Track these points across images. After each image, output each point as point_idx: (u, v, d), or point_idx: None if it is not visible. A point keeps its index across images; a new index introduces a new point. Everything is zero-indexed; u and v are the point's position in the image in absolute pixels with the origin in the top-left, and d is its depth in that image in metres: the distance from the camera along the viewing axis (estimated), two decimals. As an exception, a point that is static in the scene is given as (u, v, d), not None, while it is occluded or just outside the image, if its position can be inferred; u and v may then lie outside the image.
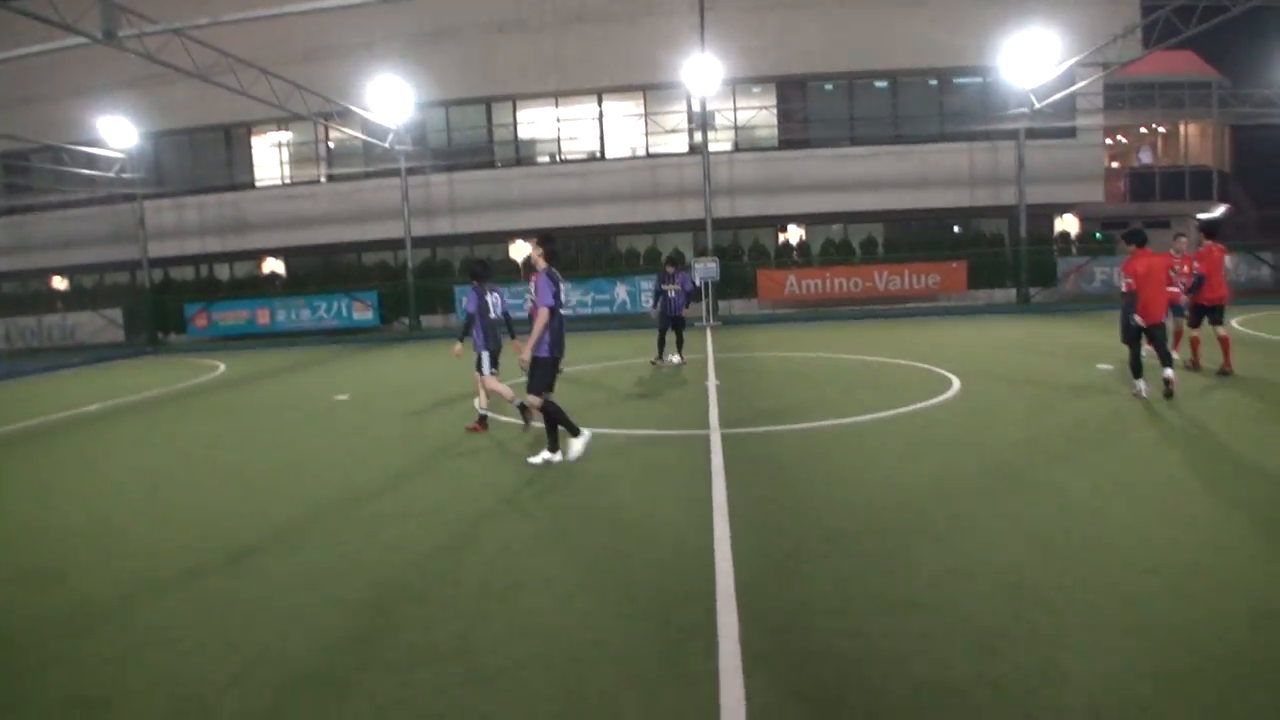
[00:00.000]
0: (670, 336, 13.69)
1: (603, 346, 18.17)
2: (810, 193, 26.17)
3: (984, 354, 13.57)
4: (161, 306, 28.11)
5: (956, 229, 27.71)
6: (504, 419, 9.42)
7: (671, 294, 13.56)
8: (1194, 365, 10.72)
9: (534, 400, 7.20)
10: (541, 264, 7.09)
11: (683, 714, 3.11)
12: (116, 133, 25.48)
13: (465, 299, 9.08)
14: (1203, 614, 3.74)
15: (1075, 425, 7.91)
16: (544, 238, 7.25)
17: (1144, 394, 8.80)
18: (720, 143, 26.81)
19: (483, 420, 9.06)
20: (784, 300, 24.69)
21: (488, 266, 9.29)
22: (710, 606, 4.04)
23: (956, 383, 10.39)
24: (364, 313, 25.98)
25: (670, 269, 13.91)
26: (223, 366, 19.54)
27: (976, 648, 3.49)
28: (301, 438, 9.36)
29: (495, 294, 9.13)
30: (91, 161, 27.49)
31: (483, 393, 9.10)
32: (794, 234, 27.07)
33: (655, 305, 14.00)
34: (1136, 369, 8.94)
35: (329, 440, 9.13)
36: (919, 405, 9.07)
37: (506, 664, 3.59)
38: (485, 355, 8.92)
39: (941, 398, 9.51)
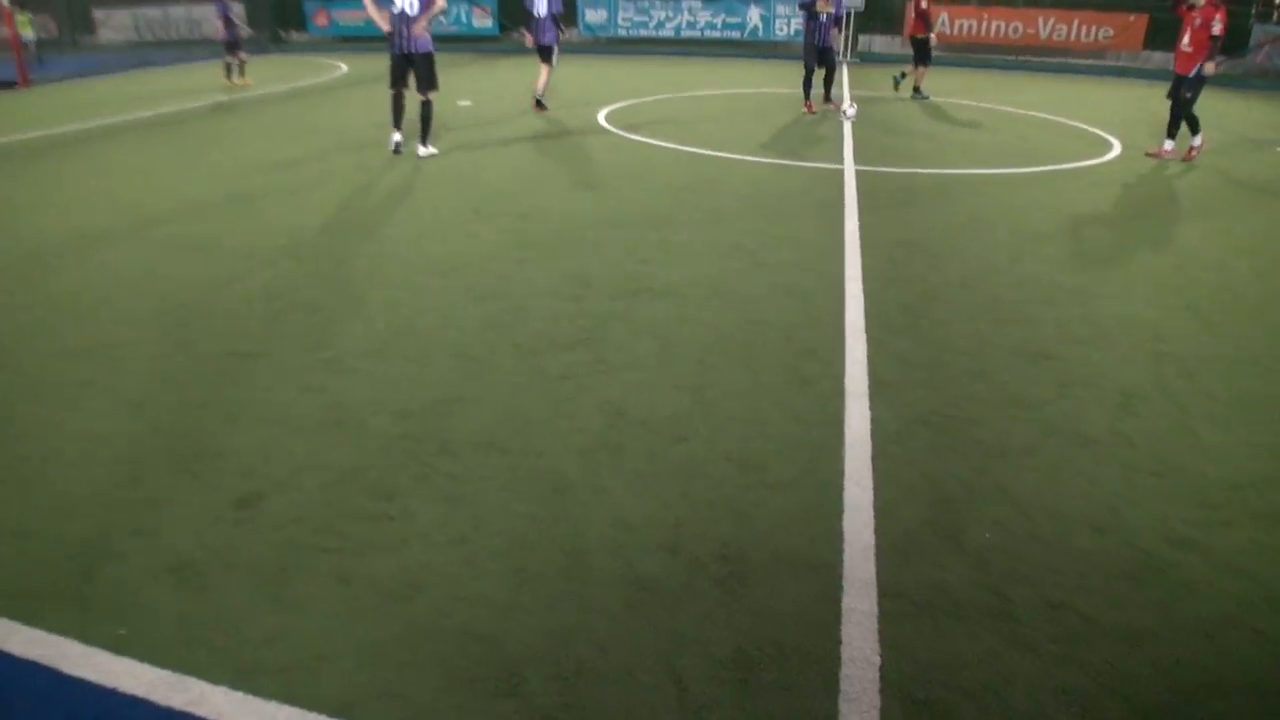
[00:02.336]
0: (818, 75, 11.39)
1: (732, 72, 17.17)
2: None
3: (1152, 121, 12.26)
4: (282, 2, 27.55)
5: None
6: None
7: (823, 17, 10.93)
8: None
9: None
10: None
11: (807, 423, 3.16)
12: None
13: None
14: (1370, 397, 3.52)
15: (1232, 200, 7.20)
16: None
17: None
18: None
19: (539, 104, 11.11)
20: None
21: None
22: (838, 332, 4.00)
23: (1117, 146, 9.49)
24: (484, 20, 24.99)
25: None
26: (344, 67, 19.39)
27: (1112, 404, 3.38)
28: (445, 140, 9.34)
29: None
30: None
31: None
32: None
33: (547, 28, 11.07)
34: None
35: (454, 143, 9.08)
36: (1072, 165, 8.36)
37: (630, 359, 3.68)
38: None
39: (1097, 160, 8.72)
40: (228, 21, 14.43)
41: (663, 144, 8.86)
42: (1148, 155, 8.72)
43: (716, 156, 8.24)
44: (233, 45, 14.46)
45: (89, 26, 31.29)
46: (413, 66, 7.72)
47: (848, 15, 20.35)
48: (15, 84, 14.10)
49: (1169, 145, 8.62)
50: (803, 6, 11.12)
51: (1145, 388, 3.54)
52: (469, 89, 14.02)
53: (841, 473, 2.83)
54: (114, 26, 30.89)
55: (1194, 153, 8.50)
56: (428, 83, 7.78)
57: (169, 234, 5.52)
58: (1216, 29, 7.95)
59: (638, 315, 4.17)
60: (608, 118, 10.63)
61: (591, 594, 2.23)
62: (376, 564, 2.33)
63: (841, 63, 19.92)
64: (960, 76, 17.34)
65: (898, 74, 13.68)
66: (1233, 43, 20.88)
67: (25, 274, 4.75)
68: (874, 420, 3.17)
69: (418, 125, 7.93)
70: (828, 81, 11.53)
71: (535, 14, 10.69)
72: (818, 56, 11.11)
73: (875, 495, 2.70)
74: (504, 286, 4.56)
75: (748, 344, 3.86)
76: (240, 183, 7.03)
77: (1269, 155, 9.35)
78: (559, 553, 2.39)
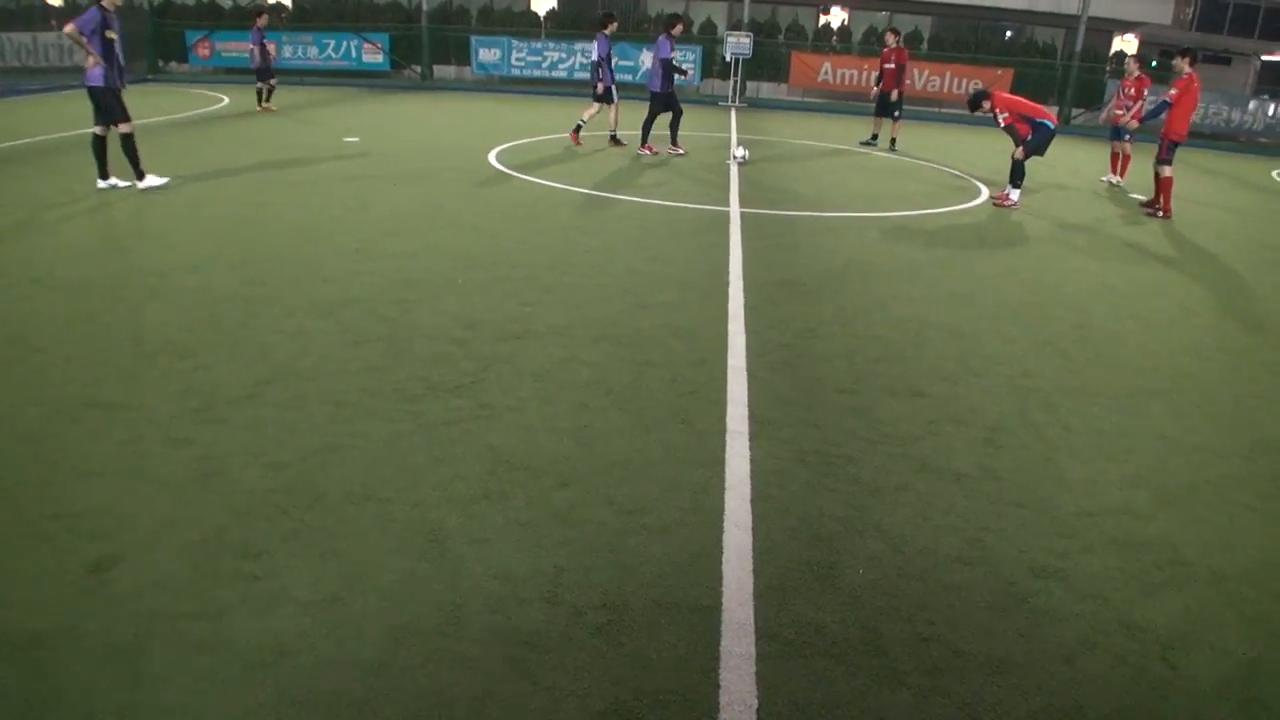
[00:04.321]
0: (664, 119, 11.66)
1: (625, 115, 17.45)
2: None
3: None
4: (161, 32, 26.57)
5: (1009, 34, 25.89)
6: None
7: (679, 78, 11.96)
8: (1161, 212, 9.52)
9: None
10: None
11: (688, 464, 3.19)
12: None
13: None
14: (1204, 438, 3.80)
15: (1087, 243, 7.74)
16: None
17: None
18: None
19: (614, 138, 12.19)
20: (816, 88, 23.46)
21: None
22: (720, 372, 4.07)
23: (985, 191, 10.07)
24: (374, 55, 24.63)
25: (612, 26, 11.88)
26: (226, 99, 18.78)
27: (979, 439, 3.55)
28: (313, 174, 9.10)
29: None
30: None
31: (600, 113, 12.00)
32: (836, 17, 25.27)
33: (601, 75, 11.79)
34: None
35: (338, 180, 8.88)
36: (944, 209, 8.84)
37: (514, 402, 3.64)
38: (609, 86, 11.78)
39: (967, 204, 9.25)
40: (262, 50, 15.74)
41: (553, 184, 8.90)
42: (994, 203, 9.28)
43: (606, 197, 8.34)
44: (264, 73, 15.78)
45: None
46: (117, 103, 7.56)
47: (736, 61, 21.04)
48: None
49: (1014, 194, 9.23)
50: (669, 65, 11.48)
51: (1010, 422, 3.73)
52: (357, 125, 13.77)
53: (722, 514, 2.86)
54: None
55: (1007, 200, 9.20)
56: (125, 112, 7.63)
57: (24, 272, 5.18)
58: (1001, 122, 9.03)
59: (522, 358, 4.14)
60: (498, 157, 10.63)
61: (469, 651, 2.17)
62: (241, 629, 2.21)
63: (730, 108, 20.57)
64: (846, 124, 18.10)
65: (869, 138, 14.21)
66: (1090, 97, 22.61)
67: None
68: (754, 460, 3.23)
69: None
70: (674, 125, 11.64)
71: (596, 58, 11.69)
72: (665, 103, 11.43)
73: (754, 536, 2.74)
74: (385, 329, 4.46)
75: (632, 385, 3.88)
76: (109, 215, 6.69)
77: (1120, 201, 10.08)
78: (436, 609, 2.33)
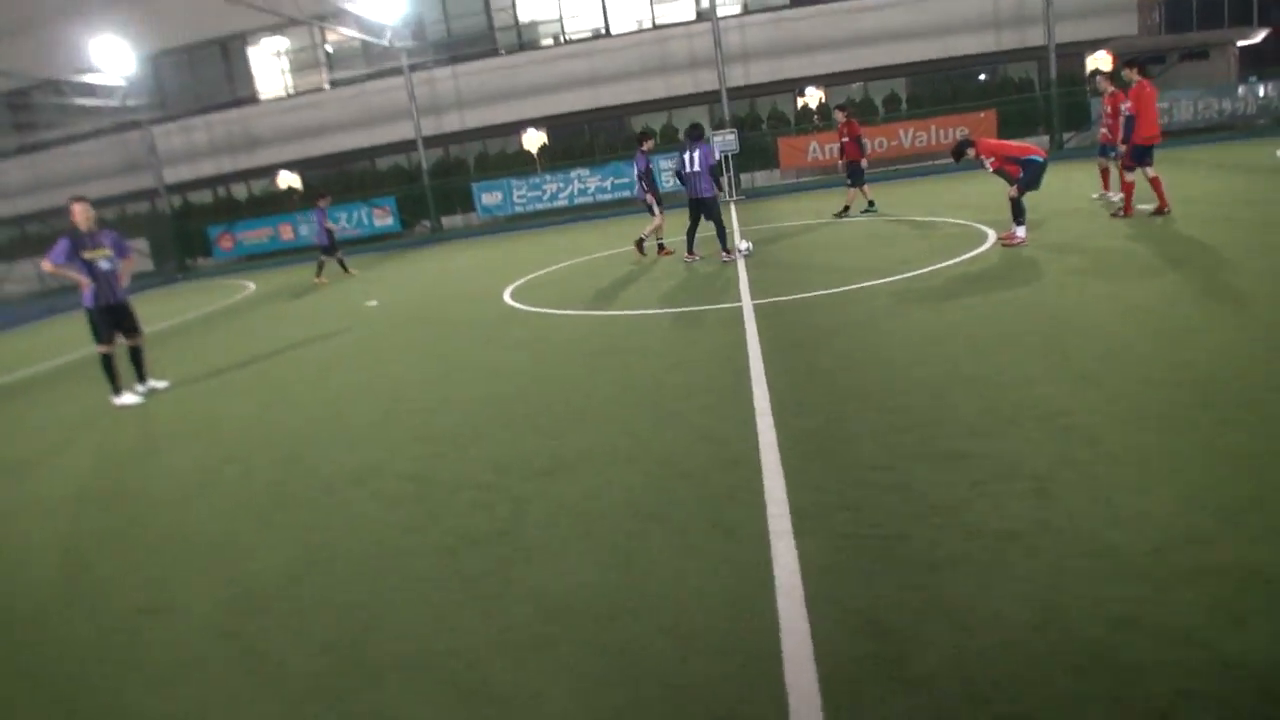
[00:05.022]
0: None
1: (625, 230, 17.90)
2: (827, 51, 25.07)
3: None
4: (185, 232, 28.07)
5: (983, 77, 26.42)
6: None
7: (686, 170, 11.55)
8: (1130, 212, 10.17)
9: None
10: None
11: (736, 575, 3.11)
12: (113, 56, 24.89)
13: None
14: (1257, 443, 3.65)
15: (1102, 267, 7.66)
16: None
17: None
18: (729, 5, 25.61)
19: (661, 247, 12.65)
20: (808, 167, 23.98)
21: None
22: (755, 470, 4.02)
23: (991, 235, 10.08)
24: (384, 219, 25.74)
25: (650, 143, 12.82)
26: (252, 285, 19.62)
27: (1028, 491, 3.43)
28: (337, 344, 9.38)
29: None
30: (94, 92, 27.09)
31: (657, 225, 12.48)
32: (813, 97, 26.03)
33: (645, 189, 12.46)
34: None
35: (361, 345, 9.14)
36: (953, 260, 8.84)
37: (554, 541, 3.61)
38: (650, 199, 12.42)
39: (975, 251, 9.24)
40: (326, 227, 16.59)
41: (569, 312, 9.08)
42: (1003, 245, 9.28)
43: (622, 315, 8.47)
44: (329, 248, 16.73)
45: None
46: (123, 316, 7.92)
47: (726, 158, 21.63)
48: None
49: (1020, 231, 9.26)
50: (649, 176, 12.51)
51: (1055, 467, 3.61)
52: (375, 288, 14.25)
53: (778, 623, 2.77)
54: (17, 280, 30.78)
55: (1014, 239, 9.26)
56: (135, 325, 8.04)
57: (64, 491, 5.32)
58: (989, 167, 9.42)
59: (556, 493, 4.13)
60: (513, 294, 10.90)
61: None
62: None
63: (729, 201, 21.03)
64: (840, 196, 18.34)
65: (839, 210, 14.54)
66: (1077, 118, 22.83)
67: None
68: (801, 558, 3.15)
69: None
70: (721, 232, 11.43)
71: (687, 170, 11.30)
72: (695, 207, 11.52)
73: (814, 640, 2.64)
74: (418, 488, 4.49)
75: (669, 502, 3.84)
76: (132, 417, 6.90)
77: (1121, 223, 10.01)
78: (495, 774, 2.26)
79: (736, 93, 25.23)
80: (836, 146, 15.91)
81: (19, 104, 30.27)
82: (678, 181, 11.77)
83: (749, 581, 3.06)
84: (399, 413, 6.08)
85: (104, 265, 7.66)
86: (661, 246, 12.73)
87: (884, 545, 3.17)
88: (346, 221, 25.96)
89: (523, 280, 12.15)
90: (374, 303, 12.39)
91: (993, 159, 9.25)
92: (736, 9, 25.62)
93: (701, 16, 25.28)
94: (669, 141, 24.81)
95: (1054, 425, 4.08)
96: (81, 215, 7.60)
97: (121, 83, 26.78)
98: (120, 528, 4.61)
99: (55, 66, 27.21)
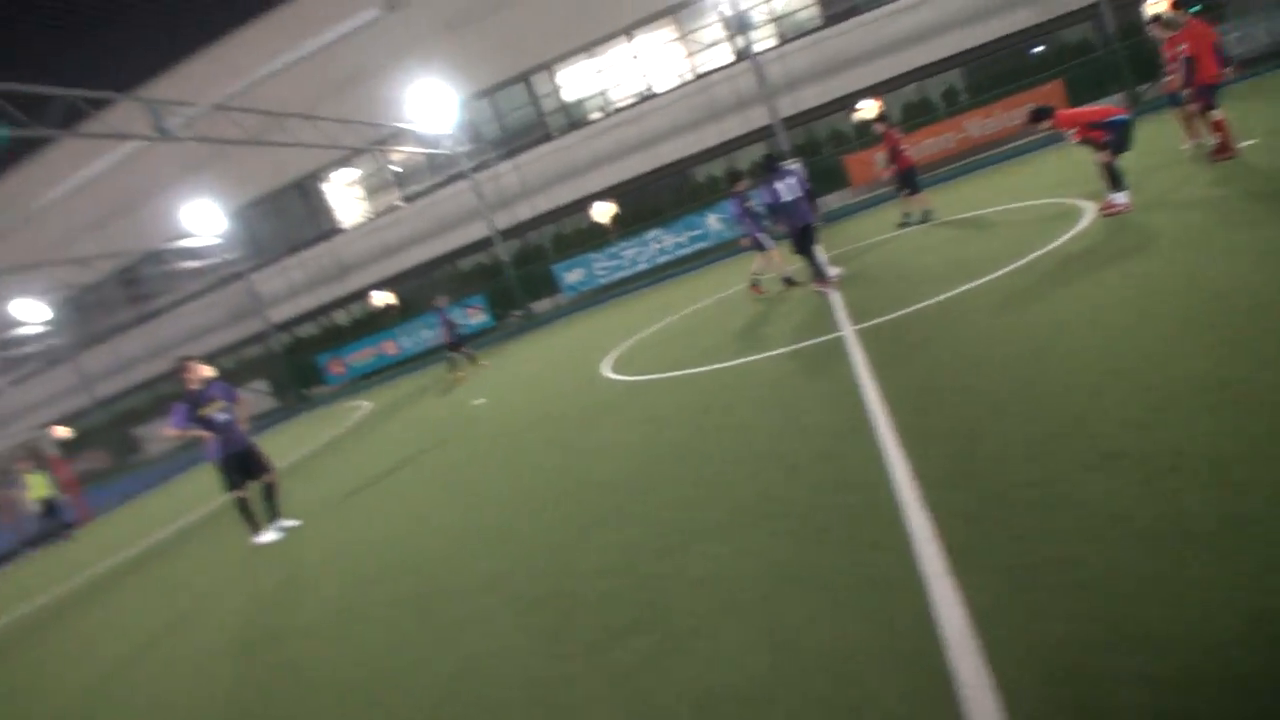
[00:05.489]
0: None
1: (710, 280, 17.86)
2: (871, 61, 24.80)
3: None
4: (297, 365, 29.59)
5: (1039, 49, 25.57)
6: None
7: (785, 200, 11.41)
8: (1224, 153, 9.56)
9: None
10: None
11: (895, 629, 2.88)
12: (205, 218, 26.74)
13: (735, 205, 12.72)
14: None
15: (1222, 213, 7.09)
16: None
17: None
18: (765, 39, 25.69)
19: (789, 280, 12.31)
20: (878, 180, 23.53)
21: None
22: (894, 510, 3.78)
23: (1089, 209, 9.55)
24: (478, 316, 26.47)
25: (742, 185, 12.92)
26: (367, 404, 20.36)
27: (1208, 483, 3.08)
28: (452, 450, 9.53)
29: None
30: (194, 254, 29.17)
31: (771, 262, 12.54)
32: (868, 109, 25.66)
33: (752, 232, 12.56)
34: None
35: (474, 447, 9.25)
36: (1055, 243, 8.36)
37: (698, 623, 3.45)
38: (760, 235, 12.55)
39: (1077, 228, 8.74)
40: (449, 325, 16.98)
41: (669, 374, 8.99)
42: (1104, 215, 8.78)
43: (723, 369, 8.32)
44: (455, 344, 17.13)
45: (134, 446, 33.65)
46: (251, 461, 8.22)
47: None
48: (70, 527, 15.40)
49: (1119, 198, 8.72)
50: (751, 212, 12.62)
51: (1233, 448, 3.25)
52: (480, 386, 14.53)
53: (953, 678, 2.53)
54: (158, 438, 33.15)
55: (1114, 207, 8.73)
56: (264, 465, 8.32)
57: (228, 637, 5.46)
58: (1072, 139, 9.12)
59: (691, 569, 3.98)
60: (613, 367, 10.90)
61: None
62: None
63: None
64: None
65: (906, 218, 14.23)
66: (1152, 69, 21.70)
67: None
68: (966, 602, 2.90)
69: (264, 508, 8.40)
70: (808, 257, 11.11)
71: (784, 200, 10.72)
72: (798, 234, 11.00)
73: (997, 694, 2.39)
74: (549, 585, 4.41)
75: (810, 563, 3.63)
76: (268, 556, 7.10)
77: (1224, 167, 9.33)
78: None
79: (790, 122, 25.15)
80: (884, 159, 15.61)
81: (129, 279, 32.83)
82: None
83: (911, 634, 2.83)
84: (520, 510, 6.05)
85: (220, 417, 8.07)
86: (756, 284, 12.66)
87: (1054, 572, 2.89)
88: (460, 319, 26.81)
89: (619, 351, 12.18)
90: (481, 400, 12.62)
91: (1074, 130, 8.81)
92: (773, 41, 25.65)
93: (740, 56, 25.44)
94: (732, 183, 24.82)
95: (1220, 400, 3.69)
96: (192, 375, 8.09)
97: (217, 240, 28.74)
98: (277, 670, 4.68)
99: (156, 238, 29.55)
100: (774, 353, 8.15)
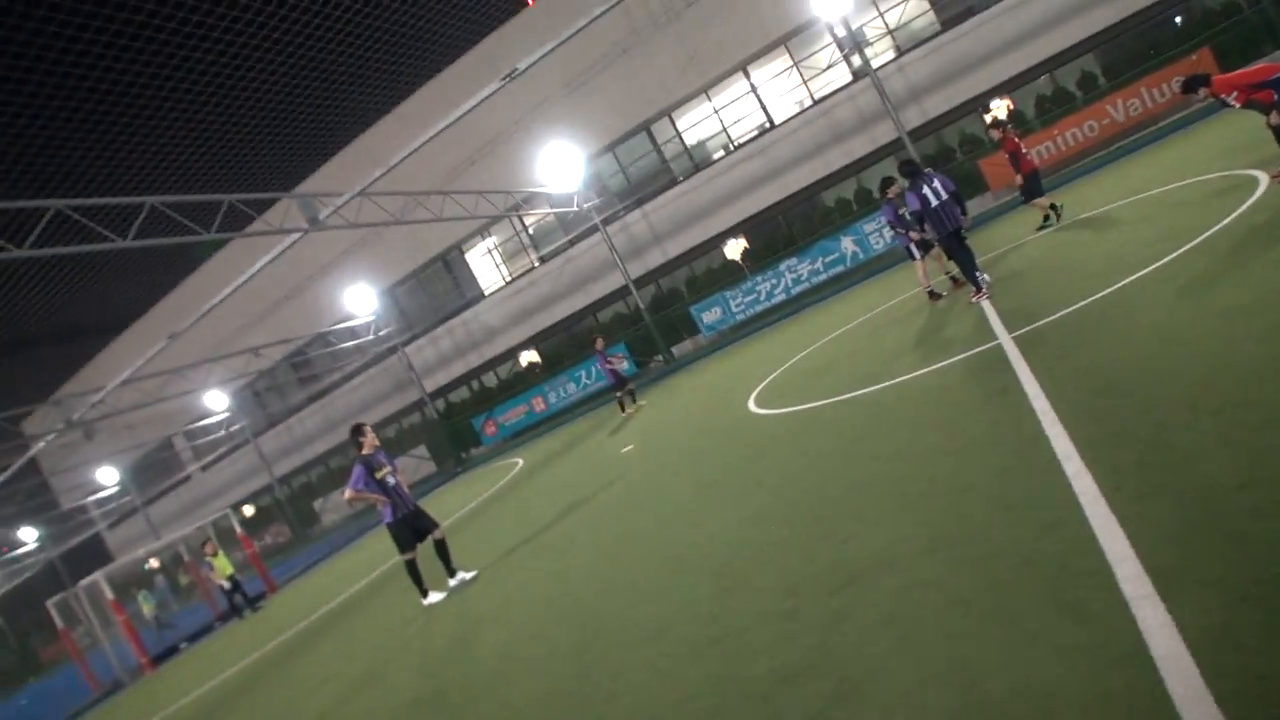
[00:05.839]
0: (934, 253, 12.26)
1: (849, 306, 17.41)
2: (996, 59, 23.77)
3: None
4: (454, 430, 30.91)
5: (1178, 19, 23.79)
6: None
7: (934, 204, 11.25)
8: None
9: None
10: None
11: (1100, 662, 2.58)
12: (361, 299, 28.51)
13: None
14: None
15: None
16: None
17: None
18: (882, 54, 25.16)
19: (933, 294, 11.79)
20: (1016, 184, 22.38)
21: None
22: (1083, 529, 3.43)
23: (1261, 177, 8.66)
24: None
25: (895, 188, 12.52)
26: (520, 461, 20.90)
27: None
28: (605, 499, 9.55)
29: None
30: (354, 333, 31.23)
31: (921, 273, 12.05)
32: (999, 108, 24.58)
33: (904, 240, 12.21)
34: None
35: (626, 494, 9.24)
36: (1227, 219, 7.60)
37: (875, 664, 3.22)
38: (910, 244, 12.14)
39: (1250, 201, 7.93)
40: (610, 367, 18.00)
41: (817, 404, 8.72)
42: (1275, 182, 7.95)
43: (873, 392, 7.98)
44: (620, 384, 18.12)
45: (314, 518, 36.07)
46: (420, 520, 8.53)
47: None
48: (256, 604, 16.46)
49: None
50: (902, 220, 12.26)
51: None
52: (627, 433, 14.61)
53: (1176, 711, 2.22)
54: (332, 509, 35.42)
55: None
56: (433, 521, 8.61)
57: (399, 697, 5.58)
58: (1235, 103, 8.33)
59: (861, 607, 3.74)
60: (759, 402, 10.71)
61: None
62: None
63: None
64: (1065, 197, 16.85)
65: (1049, 218, 13.44)
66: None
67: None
68: (1179, 625, 2.56)
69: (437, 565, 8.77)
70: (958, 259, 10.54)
71: (933, 204, 10.37)
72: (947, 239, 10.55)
73: (1238, 732, 2.08)
74: (712, 630, 4.25)
75: (990, 591, 3.34)
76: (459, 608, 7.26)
77: None
78: None
79: (917, 134, 24.39)
80: (1045, 147, 14.84)
81: (299, 362, 35.40)
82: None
83: (1120, 667, 2.52)
84: (675, 555, 5.94)
85: (391, 480, 8.55)
86: (934, 294, 12.04)
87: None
88: (587, 378, 27.34)
89: (764, 385, 11.97)
90: (629, 448, 12.66)
91: (1235, 93, 8.07)
92: (890, 54, 25.09)
93: (858, 75, 24.99)
94: (863, 204, 24.26)
95: None
96: (367, 440, 8.61)
97: (372, 318, 30.64)
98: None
99: (320, 322, 31.82)
100: (927, 370, 7.75)
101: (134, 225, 13.74)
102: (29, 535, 39.09)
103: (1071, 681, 2.58)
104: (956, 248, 10.37)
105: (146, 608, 22.19)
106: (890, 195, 12.62)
